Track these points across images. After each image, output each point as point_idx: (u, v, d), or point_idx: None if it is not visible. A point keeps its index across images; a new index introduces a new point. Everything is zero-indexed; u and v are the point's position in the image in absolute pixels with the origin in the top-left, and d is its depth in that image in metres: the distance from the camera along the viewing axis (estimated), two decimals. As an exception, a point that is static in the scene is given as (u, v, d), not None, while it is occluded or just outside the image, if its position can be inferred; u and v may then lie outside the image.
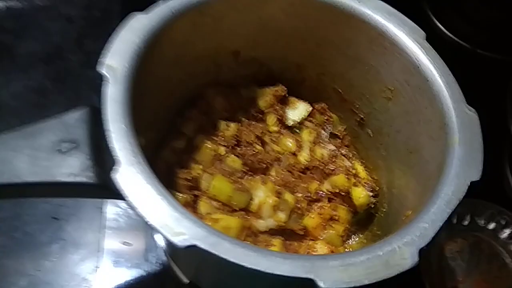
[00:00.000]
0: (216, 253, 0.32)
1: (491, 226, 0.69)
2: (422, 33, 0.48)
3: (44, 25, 0.87)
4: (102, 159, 0.38)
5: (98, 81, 0.40)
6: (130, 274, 0.62)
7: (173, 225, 0.33)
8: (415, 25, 0.49)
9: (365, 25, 0.50)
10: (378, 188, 0.58)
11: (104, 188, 0.37)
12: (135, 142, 0.37)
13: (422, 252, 0.35)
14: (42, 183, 0.36)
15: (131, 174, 0.35)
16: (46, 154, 0.37)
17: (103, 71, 0.39)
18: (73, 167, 0.37)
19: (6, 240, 0.63)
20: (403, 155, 0.53)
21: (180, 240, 0.32)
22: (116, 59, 0.40)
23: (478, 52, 0.87)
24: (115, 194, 0.35)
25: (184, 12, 0.46)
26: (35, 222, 0.65)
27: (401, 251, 0.34)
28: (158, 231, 0.33)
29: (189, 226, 0.33)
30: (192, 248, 0.32)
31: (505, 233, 0.68)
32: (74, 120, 0.39)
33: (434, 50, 0.47)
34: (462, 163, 0.40)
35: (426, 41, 0.48)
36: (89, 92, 0.79)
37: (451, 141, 0.42)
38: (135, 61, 0.41)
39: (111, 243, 0.64)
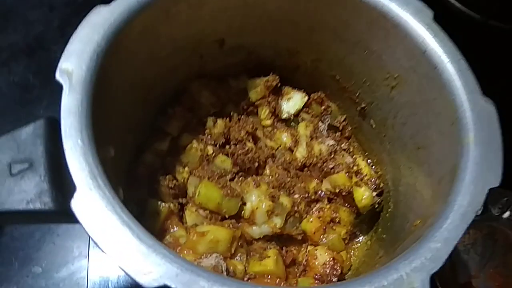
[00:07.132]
0: (190, 294, 0.27)
1: (507, 214, 0.63)
2: (430, 13, 0.42)
3: (24, 14, 0.81)
4: (61, 180, 0.33)
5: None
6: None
7: (139, 261, 0.28)
8: (421, 3, 0.42)
9: (364, 5, 0.44)
10: (382, 184, 0.53)
11: (65, 214, 0.32)
12: (95, 160, 0.31)
13: (433, 277, 0.30)
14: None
15: (90, 201, 0.30)
16: (-6, 178, 0.32)
17: (57, 76, 0.34)
18: (26, 192, 0.32)
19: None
20: (410, 150, 0.47)
21: (148, 281, 0.27)
22: (72, 62, 0.35)
23: (490, 23, 0.79)
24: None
25: (152, 1, 0.40)
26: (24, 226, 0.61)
27: (409, 279, 0.29)
28: (121, 269, 0.28)
29: (158, 261, 0.28)
30: (163, 288, 0.27)
31: (522, 221, 0.63)
32: (27, 135, 0.34)
33: (444, 32, 0.41)
34: (479, 167, 0.34)
35: (434, 22, 0.41)
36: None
37: (465, 139, 0.36)
38: (94, 62, 0.36)
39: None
